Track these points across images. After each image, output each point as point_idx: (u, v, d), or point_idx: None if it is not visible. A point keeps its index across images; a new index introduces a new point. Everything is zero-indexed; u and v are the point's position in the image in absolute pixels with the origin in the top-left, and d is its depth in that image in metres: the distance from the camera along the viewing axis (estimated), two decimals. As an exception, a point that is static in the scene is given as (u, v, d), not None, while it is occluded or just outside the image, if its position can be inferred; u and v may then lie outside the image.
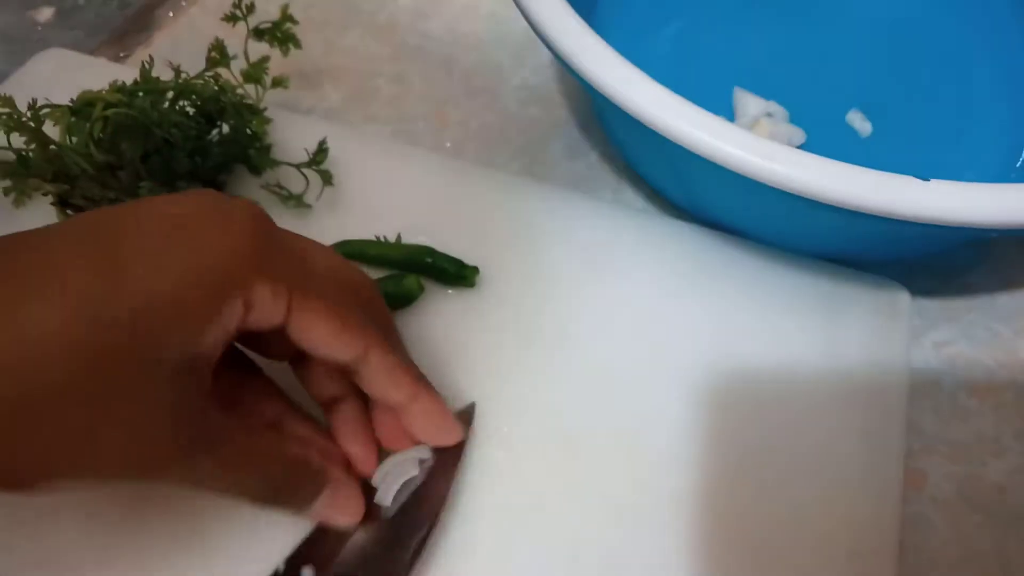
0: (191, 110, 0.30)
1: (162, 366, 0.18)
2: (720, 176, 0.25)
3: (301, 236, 0.23)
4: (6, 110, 0.26)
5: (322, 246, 0.23)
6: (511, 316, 0.29)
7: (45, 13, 0.45)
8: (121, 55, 0.41)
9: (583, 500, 0.26)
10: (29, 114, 0.26)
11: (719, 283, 0.30)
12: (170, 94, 0.29)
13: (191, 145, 0.28)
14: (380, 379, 0.22)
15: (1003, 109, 0.36)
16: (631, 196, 0.35)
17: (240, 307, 0.19)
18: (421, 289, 0.29)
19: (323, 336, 0.21)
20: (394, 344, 0.23)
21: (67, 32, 0.43)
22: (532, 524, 0.25)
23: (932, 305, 0.32)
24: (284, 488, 0.22)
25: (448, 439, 0.24)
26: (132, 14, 0.44)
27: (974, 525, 0.27)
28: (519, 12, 0.29)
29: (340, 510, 0.23)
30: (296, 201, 0.31)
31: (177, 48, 0.41)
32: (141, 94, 0.27)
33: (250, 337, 0.22)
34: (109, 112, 0.26)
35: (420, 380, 0.23)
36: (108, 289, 0.18)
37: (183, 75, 0.29)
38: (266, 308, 0.20)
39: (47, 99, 0.28)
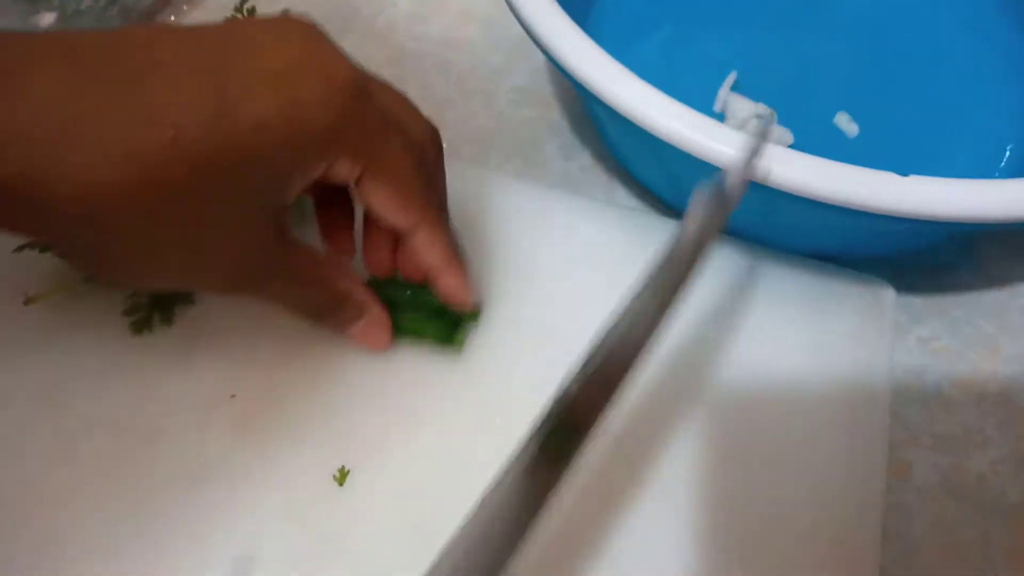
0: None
1: (249, 202, 0.22)
2: (708, 174, 0.25)
3: (388, 91, 0.25)
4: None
5: (402, 107, 0.25)
6: (506, 314, 0.30)
7: (47, 19, 0.45)
8: (123, 58, 0.42)
9: (576, 491, 0.26)
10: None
11: (707, 280, 0.31)
12: None
13: None
14: (422, 249, 0.26)
15: (987, 110, 0.36)
16: (623, 196, 0.36)
17: (322, 169, 0.22)
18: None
19: (384, 207, 0.24)
20: (441, 221, 0.26)
21: (69, 37, 0.44)
22: None
23: (918, 301, 0.33)
24: (332, 309, 0.26)
25: (463, 307, 0.28)
26: (134, 19, 0.44)
27: (957, 514, 0.28)
28: (512, 17, 0.30)
29: (372, 337, 0.28)
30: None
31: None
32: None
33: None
34: None
35: (452, 255, 0.26)
36: (219, 127, 0.20)
37: None
38: (341, 175, 0.23)
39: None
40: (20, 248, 0.29)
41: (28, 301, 0.30)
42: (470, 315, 0.29)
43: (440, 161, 0.27)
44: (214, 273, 0.23)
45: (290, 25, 0.22)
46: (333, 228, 0.28)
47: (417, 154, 0.25)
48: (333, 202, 0.28)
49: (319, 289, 0.26)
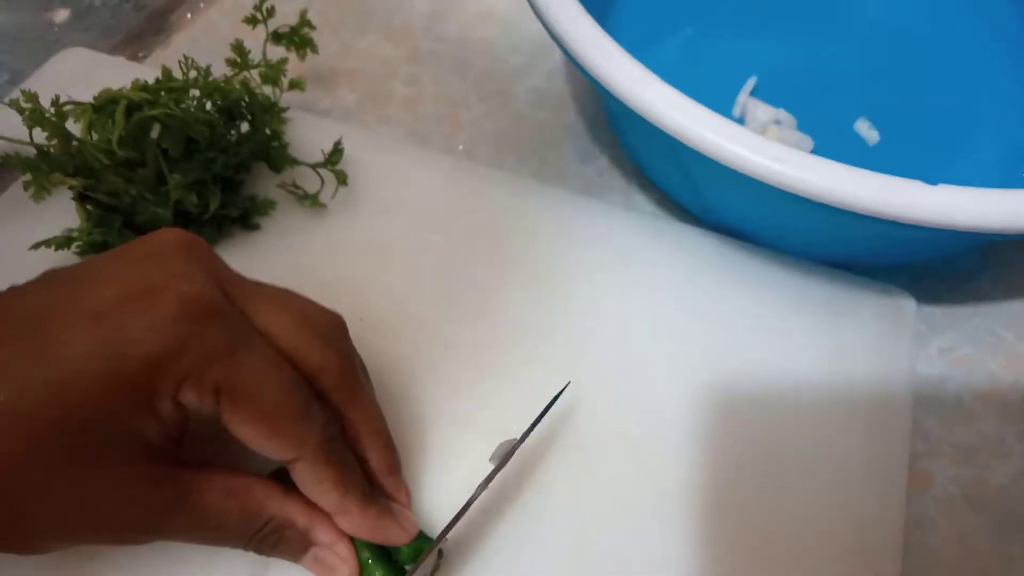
0: (210, 108, 0.30)
1: (103, 456, 0.19)
2: (729, 179, 0.25)
3: (255, 293, 0.22)
4: (29, 105, 0.27)
5: (284, 312, 0.22)
6: (519, 315, 0.30)
7: (61, 14, 0.45)
8: (139, 55, 0.42)
9: (591, 496, 0.26)
10: (52, 110, 0.27)
11: (727, 287, 0.31)
12: (194, 92, 0.29)
13: (220, 143, 0.29)
14: (305, 487, 0.22)
15: (1008, 118, 0.36)
16: (641, 201, 0.36)
17: (169, 405, 0.20)
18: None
19: (250, 438, 0.21)
20: (329, 452, 0.22)
21: (82, 33, 0.44)
22: (540, 517, 0.26)
23: (938, 311, 0.32)
24: (267, 542, 0.22)
25: (383, 542, 0.23)
26: (149, 16, 0.44)
27: (977, 526, 0.28)
28: (531, 17, 0.29)
29: (327, 573, 0.23)
30: (312, 200, 0.31)
31: (195, 50, 0.41)
32: (163, 93, 0.28)
33: None
34: (156, 112, 0.26)
35: (349, 495, 0.22)
36: (35, 388, 0.18)
37: (209, 76, 0.30)
38: (194, 404, 0.20)
39: (69, 96, 0.29)
40: (36, 245, 0.29)
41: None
42: (411, 549, 0.24)
43: (346, 366, 0.23)
44: (107, 526, 0.20)
45: (140, 251, 0.21)
46: None
47: (292, 374, 0.21)
48: None
49: (236, 518, 0.22)
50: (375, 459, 0.24)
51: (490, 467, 0.25)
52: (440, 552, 0.24)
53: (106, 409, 0.19)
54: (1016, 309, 0.33)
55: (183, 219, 0.29)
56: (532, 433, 0.25)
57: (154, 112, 0.26)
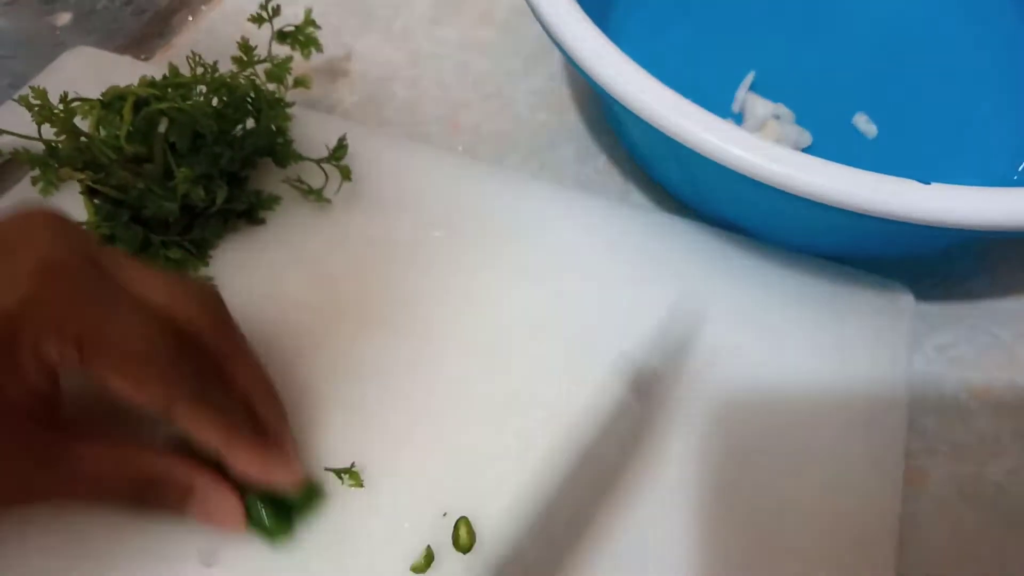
0: (216, 104, 0.30)
1: None
2: (727, 177, 0.25)
3: (126, 262, 0.22)
4: (38, 102, 0.27)
5: (156, 274, 0.22)
6: (519, 310, 0.30)
7: (63, 18, 0.46)
8: (142, 58, 0.42)
9: (588, 490, 0.26)
10: (61, 106, 0.27)
11: (725, 282, 0.31)
12: (201, 88, 0.30)
13: (226, 138, 0.29)
14: (189, 432, 0.22)
15: (1007, 113, 0.36)
16: (639, 198, 0.36)
17: (32, 360, 0.20)
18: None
19: (116, 388, 0.21)
20: (204, 393, 0.22)
21: (85, 36, 0.44)
22: (539, 514, 0.26)
23: (934, 310, 0.33)
24: (147, 496, 0.22)
25: (268, 479, 0.23)
26: (150, 19, 0.45)
27: (973, 523, 0.28)
28: (531, 20, 0.30)
29: (215, 515, 0.23)
30: (316, 195, 0.32)
31: (198, 51, 0.42)
32: (170, 89, 0.28)
33: None
34: (164, 106, 0.27)
35: (232, 431, 0.22)
36: None
37: (217, 72, 0.30)
38: (53, 355, 0.20)
39: (76, 94, 0.29)
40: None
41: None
42: (303, 497, 0.24)
43: (220, 324, 0.24)
44: None
45: (4, 222, 0.21)
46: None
47: (161, 324, 0.21)
48: None
49: (113, 474, 0.22)
50: (261, 410, 0.24)
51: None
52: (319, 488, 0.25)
53: None
54: (1013, 309, 0.33)
55: (190, 213, 0.29)
56: (528, 423, 0.26)
57: (162, 106, 0.27)
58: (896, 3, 0.40)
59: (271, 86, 0.32)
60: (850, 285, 0.31)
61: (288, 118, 0.33)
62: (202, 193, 0.28)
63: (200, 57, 0.30)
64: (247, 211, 0.31)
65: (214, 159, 0.28)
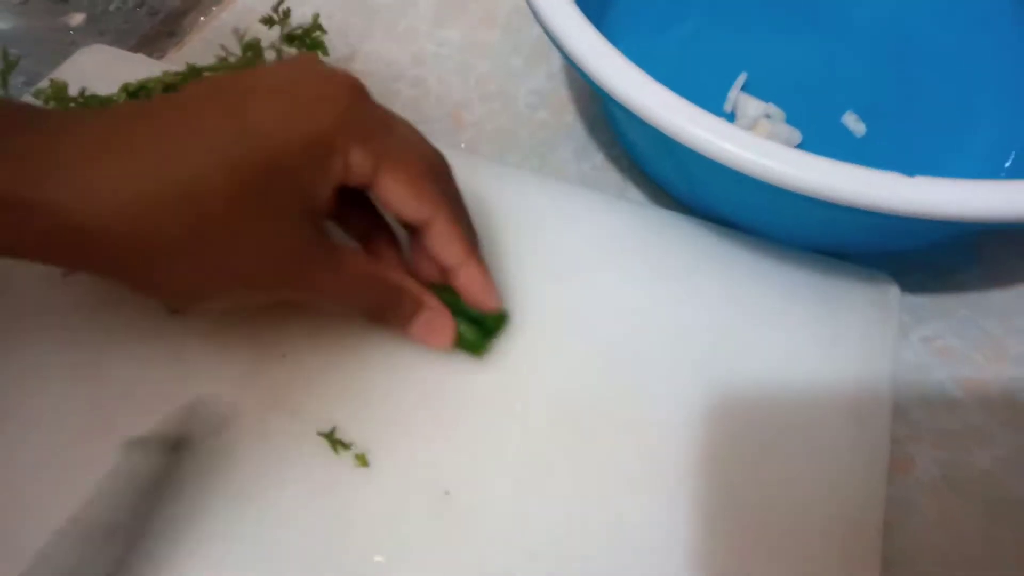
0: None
1: (283, 203, 0.23)
2: (720, 173, 0.26)
3: (389, 111, 0.26)
4: (57, 95, 0.28)
5: (405, 121, 0.26)
6: (520, 303, 0.31)
7: (76, 18, 0.47)
8: (154, 57, 0.43)
9: (578, 480, 0.27)
10: (82, 100, 0.28)
11: (717, 274, 0.32)
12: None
13: None
14: (439, 242, 0.26)
15: (994, 112, 0.37)
16: (635, 194, 0.37)
17: (341, 165, 0.23)
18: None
19: (400, 198, 0.25)
20: (458, 216, 0.27)
21: (97, 36, 0.45)
22: (539, 507, 0.27)
23: (923, 302, 0.33)
24: (388, 306, 0.27)
25: (486, 304, 0.28)
26: (162, 19, 0.46)
27: (959, 509, 0.28)
28: (532, 21, 0.31)
29: (435, 332, 0.28)
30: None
31: (207, 52, 0.43)
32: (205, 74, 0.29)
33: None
34: None
35: (472, 251, 0.27)
36: (241, 141, 0.21)
37: (233, 59, 0.31)
38: (358, 168, 0.24)
39: (92, 90, 0.30)
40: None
41: (67, 274, 0.30)
42: (496, 319, 0.29)
43: (450, 173, 0.28)
44: (261, 277, 0.24)
45: (295, 58, 0.25)
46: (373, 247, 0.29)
47: (427, 159, 0.26)
48: (367, 230, 0.29)
49: (370, 284, 0.26)
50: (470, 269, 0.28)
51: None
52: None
53: (288, 165, 0.22)
54: (1001, 302, 0.33)
55: None
56: (532, 412, 0.27)
57: None
58: (885, 4, 0.41)
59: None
60: (837, 277, 0.32)
61: None
62: None
63: (242, 35, 0.32)
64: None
65: None
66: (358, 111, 0.24)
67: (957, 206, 0.24)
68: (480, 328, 0.28)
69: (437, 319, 0.27)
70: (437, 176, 0.26)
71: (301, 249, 0.24)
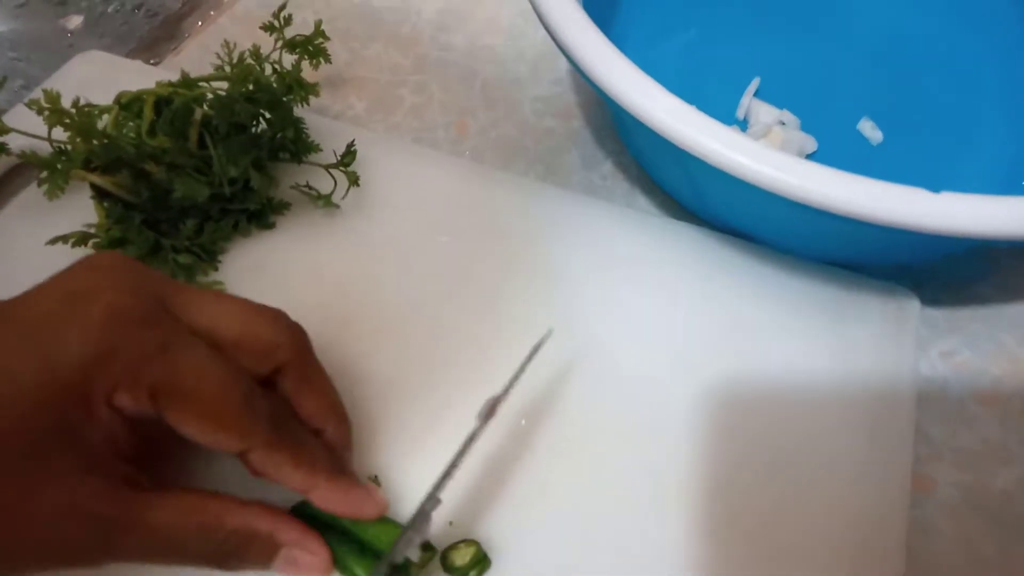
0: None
1: (55, 463, 0.19)
2: (733, 184, 0.25)
3: (197, 297, 0.22)
4: (48, 106, 0.27)
5: (228, 307, 0.22)
6: (525, 314, 0.30)
7: (75, 21, 0.46)
8: (152, 62, 0.42)
9: (594, 490, 0.26)
10: (74, 110, 0.27)
11: (730, 287, 0.31)
12: (224, 84, 0.30)
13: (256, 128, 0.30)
14: (267, 471, 0.22)
15: (1013, 118, 0.36)
16: (644, 204, 0.36)
17: (106, 410, 0.20)
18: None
19: (194, 434, 0.21)
20: (279, 436, 0.22)
21: (96, 40, 0.45)
22: (542, 512, 0.26)
23: (939, 315, 0.33)
24: (232, 555, 0.22)
25: (357, 515, 0.23)
26: (161, 23, 0.45)
27: (980, 531, 0.28)
28: (537, 26, 0.30)
29: (302, 571, 0.23)
30: (325, 200, 0.32)
31: (206, 57, 0.42)
32: (185, 89, 0.29)
33: None
34: (200, 92, 0.28)
35: (313, 470, 0.22)
36: None
37: (241, 61, 0.31)
38: (132, 409, 0.20)
39: (87, 99, 0.29)
40: (53, 241, 0.29)
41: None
42: (388, 531, 0.24)
43: (304, 366, 0.24)
44: (57, 545, 0.20)
45: (70, 272, 0.21)
46: None
47: (234, 366, 0.21)
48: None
49: (198, 534, 0.21)
50: (331, 433, 0.24)
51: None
52: (429, 546, 0.24)
53: (47, 418, 0.19)
54: (1018, 315, 0.33)
55: (220, 200, 0.30)
56: (535, 426, 0.26)
57: (198, 93, 0.27)
58: (901, 9, 0.40)
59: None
60: (855, 291, 0.31)
61: (317, 93, 0.33)
62: (234, 170, 0.28)
63: (234, 43, 0.31)
64: (258, 214, 0.31)
65: (253, 140, 0.29)
66: (118, 340, 0.20)
67: (983, 224, 0.24)
68: (365, 556, 0.23)
69: (300, 556, 0.23)
70: (248, 393, 0.21)
71: (80, 513, 0.19)
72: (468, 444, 0.24)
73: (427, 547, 0.24)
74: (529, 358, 0.26)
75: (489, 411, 0.25)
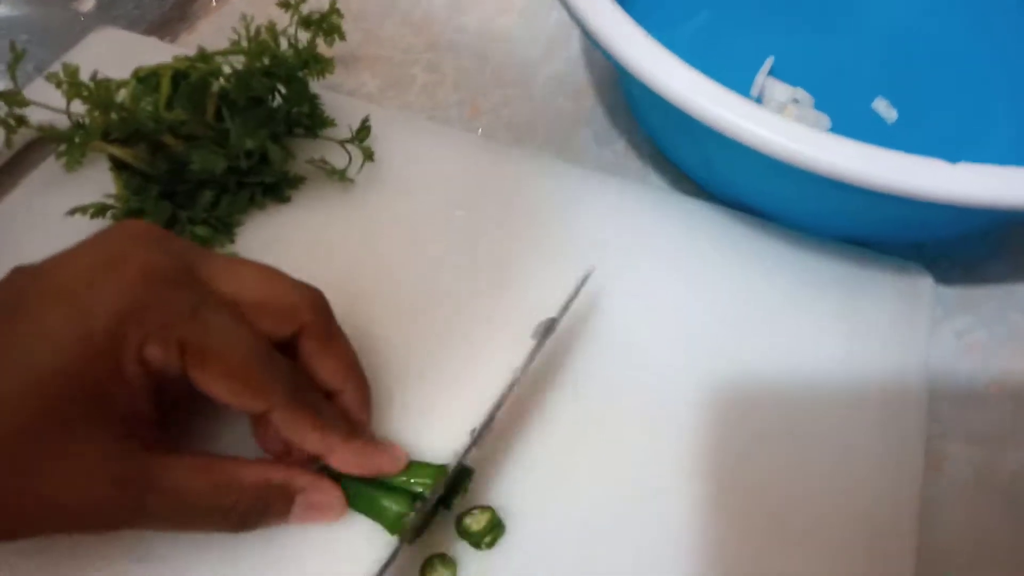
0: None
1: (81, 421, 0.19)
2: (747, 157, 0.25)
3: (222, 263, 0.23)
4: (67, 80, 0.27)
5: (252, 272, 0.23)
6: (538, 291, 0.30)
7: (87, 3, 0.46)
8: (165, 41, 0.43)
9: (603, 473, 0.26)
10: (92, 84, 0.28)
11: (743, 263, 0.31)
12: (240, 59, 0.30)
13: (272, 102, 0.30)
14: (287, 432, 0.22)
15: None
16: (657, 181, 0.36)
17: (136, 365, 0.20)
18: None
19: (220, 393, 0.21)
20: (295, 397, 0.22)
21: (108, 21, 0.45)
22: (552, 498, 0.26)
23: (951, 294, 0.33)
24: (251, 512, 0.22)
25: (377, 472, 0.24)
26: (173, 3, 0.45)
27: (991, 509, 0.28)
28: (549, 6, 0.30)
29: (319, 513, 0.24)
30: (340, 176, 0.32)
31: (219, 37, 0.42)
32: (202, 63, 0.29)
33: None
34: (216, 66, 0.28)
35: (330, 432, 0.23)
36: (14, 357, 0.19)
37: (258, 36, 0.31)
38: (159, 364, 0.20)
39: (103, 73, 0.30)
40: (73, 211, 0.29)
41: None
42: (422, 488, 0.24)
43: (325, 327, 0.24)
44: (79, 507, 0.20)
45: (101, 236, 0.21)
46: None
47: (245, 335, 0.21)
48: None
49: (220, 494, 0.22)
50: (350, 394, 0.25)
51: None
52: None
53: (78, 375, 0.19)
54: (1030, 294, 0.33)
55: (236, 173, 0.30)
56: (550, 400, 0.26)
57: (213, 67, 0.27)
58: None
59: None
60: (868, 267, 0.31)
61: (333, 69, 0.33)
62: (251, 143, 0.28)
63: (253, 16, 0.31)
64: (273, 187, 0.31)
65: (270, 113, 0.29)
66: (151, 298, 0.20)
67: (1001, 194, 0.24)
68: (398, 496, 0.24)
69: (314, 497, 0.23)
70: (268, 356, 0.22)
71: (101, 473, 0.20)
72: (527, 363, 0.25)
73: (447, 504, 0.24)
74: (577, 290, 0.27)
75: (546, 330, 0.26)
